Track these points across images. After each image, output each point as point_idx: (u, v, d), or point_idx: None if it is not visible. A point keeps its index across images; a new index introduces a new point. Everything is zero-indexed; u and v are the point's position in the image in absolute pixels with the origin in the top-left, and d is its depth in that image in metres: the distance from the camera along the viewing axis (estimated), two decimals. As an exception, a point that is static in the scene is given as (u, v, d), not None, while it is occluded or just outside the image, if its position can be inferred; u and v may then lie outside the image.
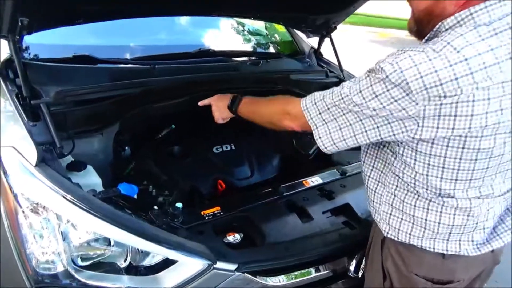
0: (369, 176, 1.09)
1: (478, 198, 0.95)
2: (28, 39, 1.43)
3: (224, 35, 2.26)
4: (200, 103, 1.48)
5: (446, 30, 0.89)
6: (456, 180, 0.92)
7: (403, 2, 1.06)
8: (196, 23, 2.10)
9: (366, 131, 0.93)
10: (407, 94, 0.83)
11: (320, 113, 0.99)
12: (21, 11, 1.25)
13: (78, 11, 1.48)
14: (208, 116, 1.77)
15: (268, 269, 1.13)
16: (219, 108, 1.41)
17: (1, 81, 1.41)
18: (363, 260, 1.26)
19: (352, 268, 1.24)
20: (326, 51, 2.39)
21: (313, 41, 2.39)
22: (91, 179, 1.28)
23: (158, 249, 1.03)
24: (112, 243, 1.07)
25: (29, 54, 1.61)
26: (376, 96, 0.87)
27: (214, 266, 1.06)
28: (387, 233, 1.05)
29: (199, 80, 1.73)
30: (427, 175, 0.93)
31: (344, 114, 0.95)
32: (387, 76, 0.85)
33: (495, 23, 0.85)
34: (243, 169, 1.54)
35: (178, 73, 1.71)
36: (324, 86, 2.16)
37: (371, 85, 0.88)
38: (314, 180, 1.47)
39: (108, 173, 1.47)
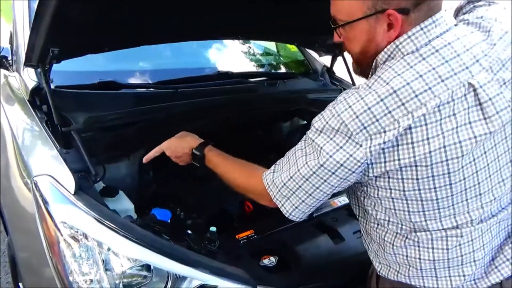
0: (358, 215, 1.06)
1: (456, 227, 0.90)
2: (54, 67, 1.47)
3: (240, 56, 2.30)
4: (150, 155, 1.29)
5: (381, 65, 0.90)
6: (424, 211, 0.88)
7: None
8: (212, 46, 2.14)
9: (317, 188, 0.91)
10: (349, 137, 0.83)
11: (279, 190, 0.96)
12: (52, 42, 1.28)
13: (104, 40, 1.51)
14: (231, 138, 1.79)
15: (307, 292, 1.14)
16: (176, 149, 1.25)
17: (31, 109, 1.43)
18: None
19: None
20: (337, 69, 2.44)
21: (323, 59, 2.44)
22: (124, 204, 1.30)
23: (200, 275, 1.03)
24: (151, 269, 1.08)
25: (54, 81, 1.63)
26: (321, 148, 0.86)
27: (255, 291, 1.07)
28: (379, 271, 1.04)
29: (221, 102, 1.76)
30: (394, 209, 0.91)
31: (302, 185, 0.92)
32: (327, 122, 0.85)
33: (421, 49, 0.85)
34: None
35: (199, 96, 1.74)
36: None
37: (313, 141, 0.88)
38: (341, 200, 1.49)
39: (136, 197, 1.48)
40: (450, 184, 0.86)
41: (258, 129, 1.98)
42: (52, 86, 1.57)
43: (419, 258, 0.94)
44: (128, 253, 1.04)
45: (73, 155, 1.27)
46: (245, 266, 1.13)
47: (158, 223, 1.18)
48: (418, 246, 0.93)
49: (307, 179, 0.90)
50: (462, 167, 0.85)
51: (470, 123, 0.84)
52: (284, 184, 0.95)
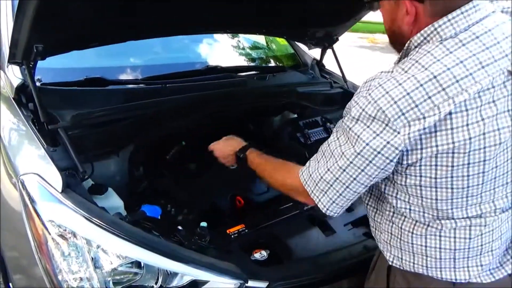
0: (367, 204, 1.06)
1: (480, 216, 0.90)
2: (39, 64, 1.44)
3: (230, 51, 2.28)
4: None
5: (415, 48, 0.88)
6: (452, 199, 0.88)
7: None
8: (201, 41, 2.12)
9: (355, 180, 0.89)
10: (387, 124, 0.81)
11: (316, 184, 0.95)
12: (36, 37, 1.26)
13: (91, 35, 1.49)
14: (221, 133, 1.79)
15: (299, 285, 1.13)
16: (223, 151, 1.40)
17: (17, 107, 1.41)
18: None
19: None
20: (326, 61, 2.43)
21: (314, 52, 2.43)
22: (113, 201, 1.28)
23: (191, 271, 1.03)
24: (142, 265, 1.07)
25: (41, 79, 1.60)
26: (358, 136, 0.85)
27: (246, 285, 1.07)
28: (392, 262, 1.01)
29: (210, 97, 1.75)
30: (421, 197, 0.89)
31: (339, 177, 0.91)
32: (363, 110, 0.84)
33: (461, 34, 0.84)
34: (260, 184, 1.55)
35: (188, 91, 1.73)
36: (330, 97, 2.20)
37: (350, 129, 0.87)
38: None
39: (125, 194, 1.47)
40: (483, 172, 0.85)
41: (248, 123, 1.96)
42: (38, 84, 1.55)
43: (440, 248, 0.92)
44: (117, 251, 1.03)
45: (60, 153, 1.25)
46: (236, 260, 1.13)
47: (148, 220, 1.17)
48: (440, 236, 0.92)
49: (344, 170, 0.89)
50: (497, 155, 0.85)
51: (509, 111, 0.84)
52: (322, 177, 0.93)
